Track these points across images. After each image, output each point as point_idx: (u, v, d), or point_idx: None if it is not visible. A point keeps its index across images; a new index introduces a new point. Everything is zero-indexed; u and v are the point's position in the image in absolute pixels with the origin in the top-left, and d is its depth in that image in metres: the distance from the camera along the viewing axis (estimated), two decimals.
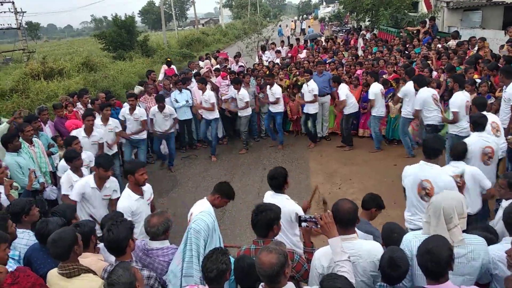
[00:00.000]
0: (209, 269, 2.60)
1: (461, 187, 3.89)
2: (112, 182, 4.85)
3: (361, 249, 2.75)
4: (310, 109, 9.17)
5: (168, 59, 14.35)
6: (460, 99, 6.39)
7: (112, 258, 3.09)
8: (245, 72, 10.76)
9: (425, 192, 3.93)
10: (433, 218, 2.71)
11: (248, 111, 9.34)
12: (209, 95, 8.94)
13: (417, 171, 4.01)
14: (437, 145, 4.01)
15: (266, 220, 2.98)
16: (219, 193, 3.72)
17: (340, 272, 2.51)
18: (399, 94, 7.95)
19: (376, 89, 8.33)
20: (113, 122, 7.39)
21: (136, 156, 8.28)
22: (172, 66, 13.02)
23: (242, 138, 9.71)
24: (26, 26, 44.03)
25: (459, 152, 4.42)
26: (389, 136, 9.19)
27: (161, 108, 8.24)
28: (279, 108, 9.35)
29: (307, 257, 3.03)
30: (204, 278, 2.66)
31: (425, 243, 2.45)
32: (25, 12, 28.15)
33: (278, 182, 3.89)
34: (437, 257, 2.33)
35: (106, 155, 5.68)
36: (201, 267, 2.69)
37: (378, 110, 8.48)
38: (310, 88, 9.01)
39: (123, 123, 7.83)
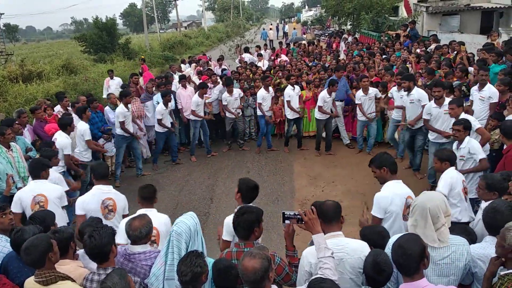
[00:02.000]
0: (183, 273, 2.56)
1: None
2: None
3: (348, 246, 2.79)
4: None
5: (142, 57, 14.83)
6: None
7: (92, 265, 3.02)
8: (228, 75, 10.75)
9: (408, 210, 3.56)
10: (420, 220, 2.73)
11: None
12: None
13: (400, 192, 3.67)
14: None
15: (247, 223, 2.97)
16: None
17: (323, 269, 2.53)
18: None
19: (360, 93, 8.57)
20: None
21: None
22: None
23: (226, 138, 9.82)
24: (4, 28, 43.22)
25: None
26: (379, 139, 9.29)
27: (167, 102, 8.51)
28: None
29: (289, 260, 3.02)
30: (180, 282, 2.63)
31: (397, 239, 2.51)
32: (3, 14, 27.61)
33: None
34: (408, 251, 2.37)
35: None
36: (176, 270, 2.66)
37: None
38: (298, 90, 9.10)
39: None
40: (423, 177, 7.34)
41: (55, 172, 5.34)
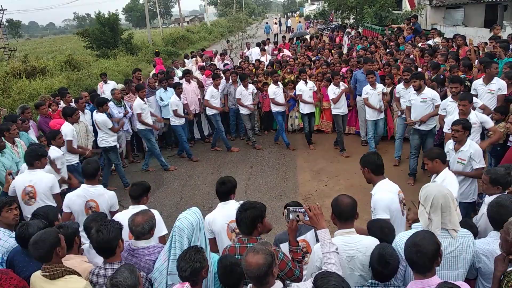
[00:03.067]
0: (183, 268, 2.57)
1: None
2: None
3: (360, 244, 2.79)
4: (312, 107, 9.12)
5: (156, 50, 14.90)
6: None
7: (97, 260, 3.04)
8: (232, 70, 10.72)
9: (403, 203, 3.69)
10: (445, 211, 2.73)
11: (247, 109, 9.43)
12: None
13: (394, 190, 3.66)
14: None
15: (250, 218, 2.97)
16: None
17: (327, 264, 2.54)
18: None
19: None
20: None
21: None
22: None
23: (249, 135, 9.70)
24: (7, 24, 43.29)
25: None
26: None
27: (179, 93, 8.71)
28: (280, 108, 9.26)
29: (292, 256, 3.02)
30: (180, 277, 2.64)
31: (412, 236, 2.49)
32: (6, 9, 27.55)
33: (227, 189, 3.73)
34: (423, 249, 2.36)
35: None
36: (176, 266, 2.67)
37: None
38: (311, 85, 9.03)
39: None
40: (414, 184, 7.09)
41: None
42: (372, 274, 2.68)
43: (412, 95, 6.93)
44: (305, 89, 8.94)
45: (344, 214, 2.88)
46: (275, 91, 9.05)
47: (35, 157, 4.73)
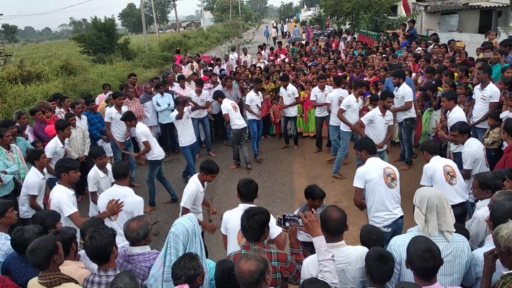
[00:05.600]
0: (177, 276, 2.56)
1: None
2: None
3: (350, 256, 2.74)
4: (291, 112, 9.26)
5: (177, 48, 15.25)
6: None
7: (93, 266, 3.02)
8: (228, 75, 10.76)
9: (391, 177, 4.21)
10: (440, 211, 2.76)
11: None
12: (205, 95, 9.30)
13: (376, 164, 4.31)
14: None
15: (259, 224, 2.92)
16: (202, 171, 4.74)
17: (323, 272, 2.50)
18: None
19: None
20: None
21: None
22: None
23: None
24: (2, 29, 43.25)
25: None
26: None
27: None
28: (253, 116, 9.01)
29: (295, 258, 3.02)
30: (175, 285, 2.62)
31: (416, 243, 2.45)
32: (2, 14, 27.60)
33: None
34: (435, 255, 2.37)
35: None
36: (171, 274, 2.65)
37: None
38: (290, 92, 9.09)
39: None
40: (406, 168, 7.72)
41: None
42: (370, 279, 2.66)
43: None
44: (284, 94, 9.14)
45: (332, 229, 2.78)
46: (252, 99, 8.87)
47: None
